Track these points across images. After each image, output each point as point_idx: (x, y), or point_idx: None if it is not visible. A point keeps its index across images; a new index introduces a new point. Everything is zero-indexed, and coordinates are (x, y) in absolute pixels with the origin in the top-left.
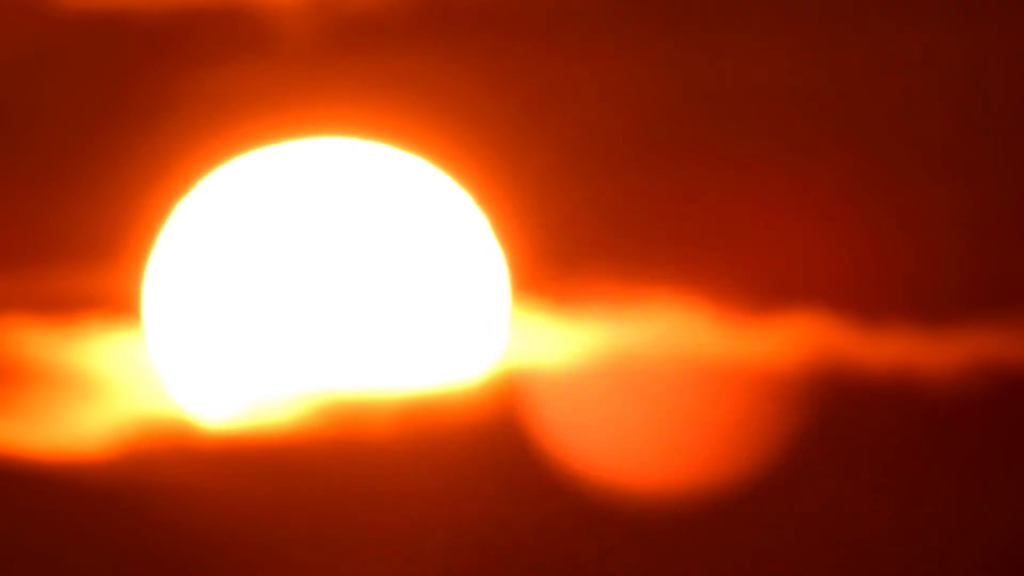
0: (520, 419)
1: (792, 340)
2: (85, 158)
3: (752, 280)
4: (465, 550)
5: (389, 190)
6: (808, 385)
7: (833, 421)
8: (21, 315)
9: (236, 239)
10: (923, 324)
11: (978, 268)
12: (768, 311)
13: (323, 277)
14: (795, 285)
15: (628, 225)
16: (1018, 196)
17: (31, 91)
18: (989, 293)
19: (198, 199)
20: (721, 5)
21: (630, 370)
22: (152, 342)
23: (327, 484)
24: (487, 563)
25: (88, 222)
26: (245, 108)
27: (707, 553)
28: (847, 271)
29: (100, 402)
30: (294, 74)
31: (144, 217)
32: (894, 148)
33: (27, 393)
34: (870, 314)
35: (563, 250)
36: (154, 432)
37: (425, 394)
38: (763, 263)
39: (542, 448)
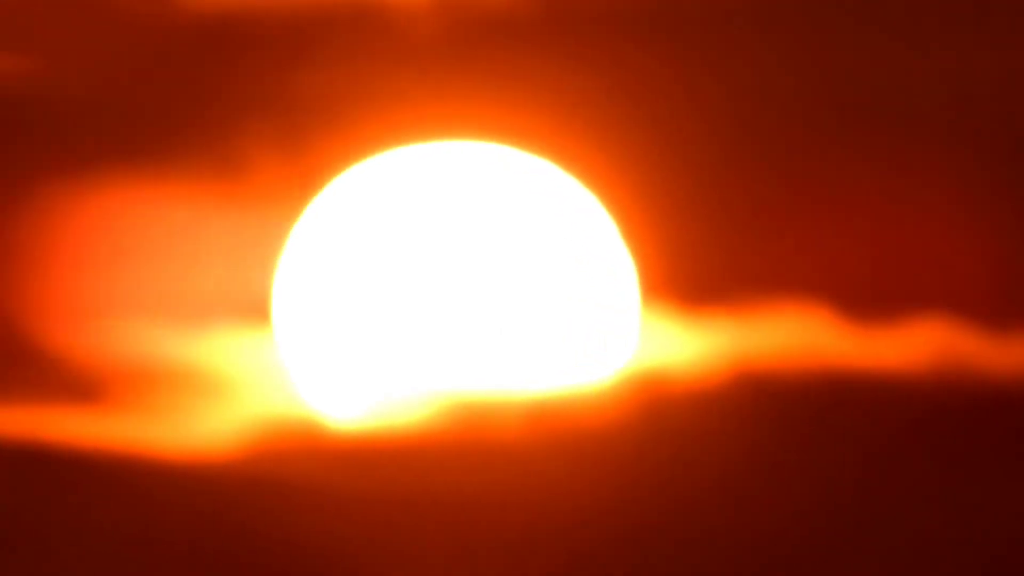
0: (649, 421)
1: (917, 346)
2: (215, 157)
3: (879, 285)
4: (594, 552)
5: (517, 193)
6: (933, 391)
7: (959, 427)
8: (151, 314)
9: (365, 240)
10: None
11: None
12: (894, 316)
13: (452, 279)
14: (921, 290)
15: (756, 227)
16: None
17: (161, 90)
18: None
19: (328, 200)
20: (843, 2)
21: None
22: (281, 342)
23: (455, 485)
24: (615, 565)
25: (219, 221)
26: (375, 110)
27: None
28: (973, 275)
29: (228, 401)
30: (420, 76)
31: (275, 217)
32: (1022, 148)
33: (156, 392)
34: (996, 319)
35: (691, 252)
36: (282, 432)
37: (554, 396)
38: (890, 268)
39: (669, 451)
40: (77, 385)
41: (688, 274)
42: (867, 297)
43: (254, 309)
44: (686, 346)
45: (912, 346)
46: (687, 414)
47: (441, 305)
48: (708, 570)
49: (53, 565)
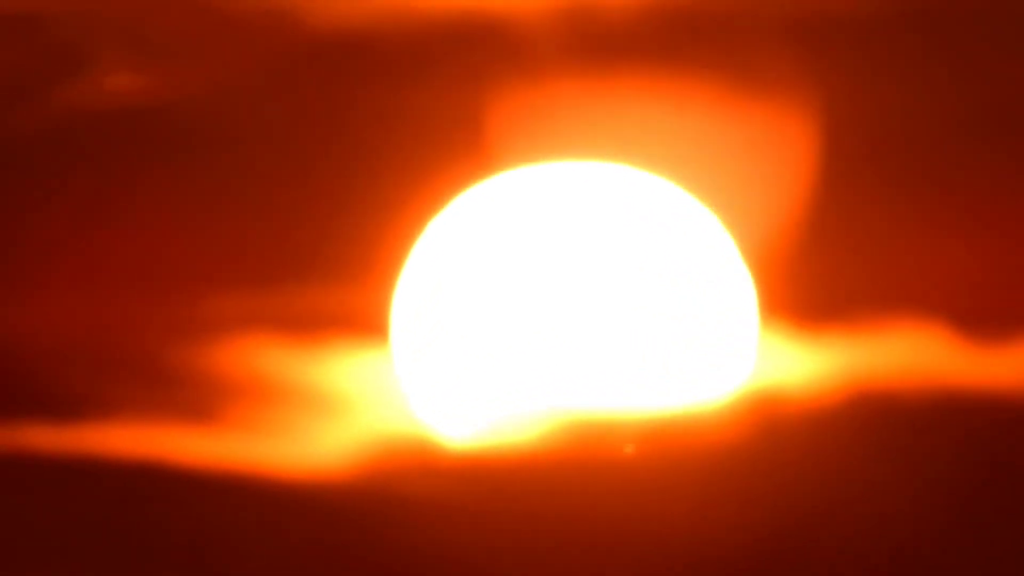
0: (766, 440)
1: None
2: (336, 178)
3: (995, 303)
4: (708, 570)
5: (637, 212)
6: None
7: None
8: (269, 333)
9: (483, 260)
10: None
11: None
12: (1011, 335)
13: (569, 297)
14: None
15: (874, 247)
16: None
17: (286, 110)
18: None
19: (448, 220)
20: (999, 26)
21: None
22: (398, 361)
23: (569, 503)
24: None
25: (338, 241)
26: (496, 130)
27: None
28: None
29: (345, 420)
30: (543, 96)
31: (394, 237)
32: None
33: (273, 410)
34: None
35: (810, 271)
36: (397, 450)
37: (670, 415)
38: (1007, 286)
39: (787, 471)
40: (195, 404)
41: (806, 293)
42: (984, 316)
43: (372, 328)
44: (803, 364)
45: None
46: (803, 432)
47: (558, 323)
48: None
49: None
